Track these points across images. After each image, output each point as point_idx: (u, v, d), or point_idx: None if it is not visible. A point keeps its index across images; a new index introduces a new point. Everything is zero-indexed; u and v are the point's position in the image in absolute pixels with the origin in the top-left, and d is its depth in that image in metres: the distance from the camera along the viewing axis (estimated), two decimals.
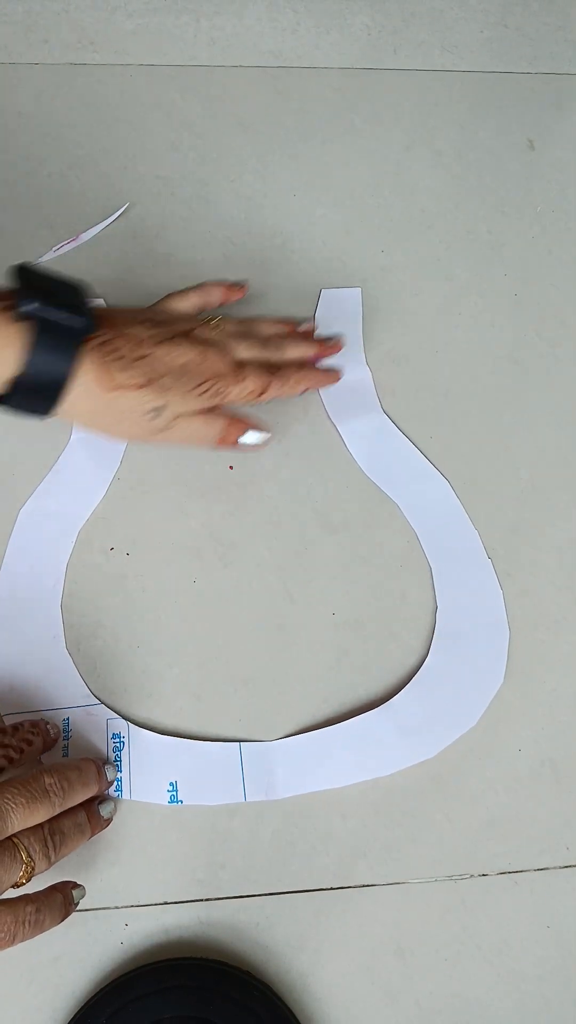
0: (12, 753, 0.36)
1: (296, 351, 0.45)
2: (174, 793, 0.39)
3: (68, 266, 0.50)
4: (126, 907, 0.37)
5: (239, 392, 0.41)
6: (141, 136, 0.55)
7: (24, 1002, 0.35)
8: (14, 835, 0.32)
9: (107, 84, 0.56)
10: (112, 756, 0.39)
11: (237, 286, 0.47)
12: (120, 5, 0.59)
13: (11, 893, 0.32)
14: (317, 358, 0.46)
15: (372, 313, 0.51)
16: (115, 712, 0.40)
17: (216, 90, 0.57)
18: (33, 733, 0.37)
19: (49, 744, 0.38)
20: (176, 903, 0.38)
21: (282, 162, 0.55)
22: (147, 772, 0.39)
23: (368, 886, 0.38)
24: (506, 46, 0.61)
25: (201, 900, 0.38)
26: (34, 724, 0.38)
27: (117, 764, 0.39)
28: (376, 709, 0.41)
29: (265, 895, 0.38)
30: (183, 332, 0.41)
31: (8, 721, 0.39)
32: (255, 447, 0.43)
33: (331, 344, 0.46)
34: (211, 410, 0.41)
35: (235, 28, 0.59)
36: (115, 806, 0.38)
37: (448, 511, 0.46)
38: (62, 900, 0.34)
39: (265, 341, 0.44)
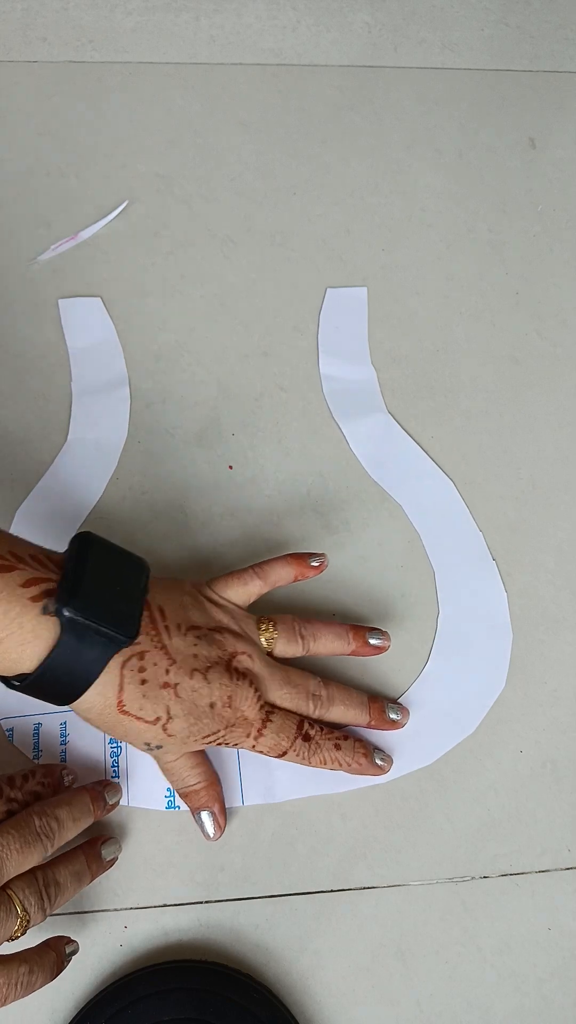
0: (15, 806, 0.34)
1: (345, 714, 0.38)
2: (171, 799, 0.39)
3: (67, 265, 0.50)
4: (125, 909, 0.37)
5: (249, 745, 0.36)
6: (140, 134, 0.54)
7: (24, 1004, 0.35)
8: (8, 886, 0.32)
9: (106, 82, 0.56)
10: (109, 761, 0.39)
11: (314, 562, 0.40)
12: (119, 3, 0.58)
13: (5, 947, 0.32)
14: (364, 724, 0.39)
15: (373, 312, 0.51)
16: None
17: (216, 88, 0.56)
18: (43, 783, 0.36)
19: (60, 793, 0.36)
20: (175, 905, 0.37)
21: (282, 161, 0.55)
22: (144, 778, 0.39)
23: (368, 888, 0.38)
24: (507, 44, 0.60)
25: (200, 902, 0.38)
26: (47, 771, 0.36)
27: (114, 770, 0.39)
28: None
29: (265, 897, 0.38)
30: (224, 661, 0.35)
31: (10, 722, 0.39)
32: (202, 828, 0.38)
33: (392, 720, 0.39)
34: (200, 754, 0.37)
35: (235, 26, 0.59)
36: (119, 846, 0.37)
37: (452, 512, 0.46)
38: (54, 958, 0.33)
39: (312, 693, 0.38)
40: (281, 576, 0.39)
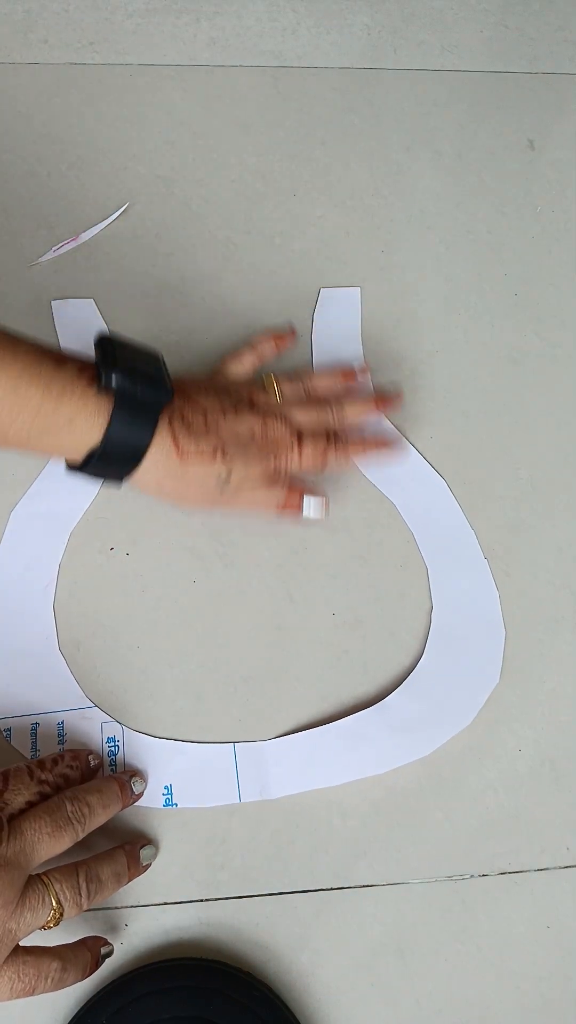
0: (47, 788, 0.35)
1: (354, 411, 0.45)
2: (169, 797, 0.39)
3: (68, 266, 0.50)
4: (125, 907, 0.37)
5: (298, 463, 0.42)
6: (141, 136, 0.55)
7: (24, 1002, 0.35)
8: (46, 875, 0.32)
9: (107, 84, 0.56)
10: (107, 761, 0.39)
11: (286, 334, 0.47)
12: (120, 5, 0.59)
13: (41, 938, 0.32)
14: (376, 413, 0.46)
15: (372, 313, 0.51)
16: (110, 715, 0.40)
17: (216, 90, 0.57)
18: (72, 767, 0.37)
19: (88, 776, 0.37)
20: (176, 903, 0.38)
21: (282, 162, 0.55)
22: None
23: (368, 886, 0.38)
24: (506, 46, 0.61)
25: (201, 900, 0.38)
26: (75, 756, 0.37)
27: (112, 769, 0.39)
28: (370, 708, 0.41)
29: (265, 895, 0.38)
30: (245, 400, 0.42)
31: (8, 723, 0.39)
32: (316, 519, 0.44)
33: (389, 396, 0.46)
34: (273, 478, 0.42)
35: (235, 28, 0.59)
36: (156, 851, 0.38)
37: (445, 512, 0.46)
38: (88, 958, 0.34)
39: (321, 404, 0.44)
40: (266, 348, 0.46)
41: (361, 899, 0.38)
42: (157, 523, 0.44)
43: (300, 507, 0.43)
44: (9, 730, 0.39)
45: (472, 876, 0.39)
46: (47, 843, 0.32)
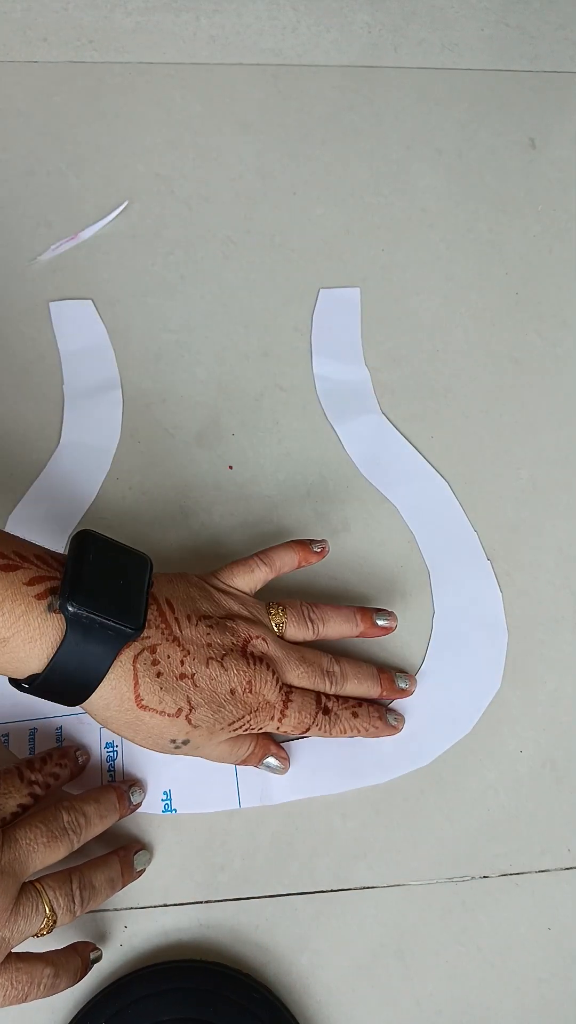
0: (38, 790, 0.35)
1: (358, 687, 0.39)
2: (168, 802, 0.38)
3: (67, 265, 0.50)
4: (125, 909, 0.37)
5: (273, 728, 0.36)
6: (140, 134, 0.54)
7: (24, 1004, 0.35)
8: (39, 882, 0.32)
9: (106, 82, 0.56)
10: (106, 766, 0.39)
11: (316, 548, 0.40)
12: (119, 3, 0.58)
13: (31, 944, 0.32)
14: (380, 698, 0.40)
15: (372, 313, 0.51)
16: None
17: (216, 88, 0.56)
18: (61, 765, 0.36)
19: (76, 773, 0.37)
20: (175, 905, 0.37)
21: (282, 161, 0.55)
22: None
23: (368, 888, 0.38)
24: (507, 44, 0.60)
25: (200, 902, 0.38)
26: (63, 754, 0.37)
27: (110, 775, 0.39)
28: None
29: (265, 897, 0.38)
30: (239, 647, 0.35)
31: (5, 728, 0.39)
32: (272, 771, 0.39)
33: (402, 689, 0.40)
34: (239, 738, 0.36)
35: (235, 26, 0.59)
36: (150, 857, 0.38)
37: (447, 512, 0.45)
38: (79, 963, 0.33)
39: (326, 670, 0.38)
40: (285, 562, 0.39)
41: (361, 901, 0.38)
42: (157, 523, 0.44)
43: (259, 762, 0.38)
44: (7, 735, 0.39)
45: (473, 878, 0.39)
46: (42, 853, 0.32)
